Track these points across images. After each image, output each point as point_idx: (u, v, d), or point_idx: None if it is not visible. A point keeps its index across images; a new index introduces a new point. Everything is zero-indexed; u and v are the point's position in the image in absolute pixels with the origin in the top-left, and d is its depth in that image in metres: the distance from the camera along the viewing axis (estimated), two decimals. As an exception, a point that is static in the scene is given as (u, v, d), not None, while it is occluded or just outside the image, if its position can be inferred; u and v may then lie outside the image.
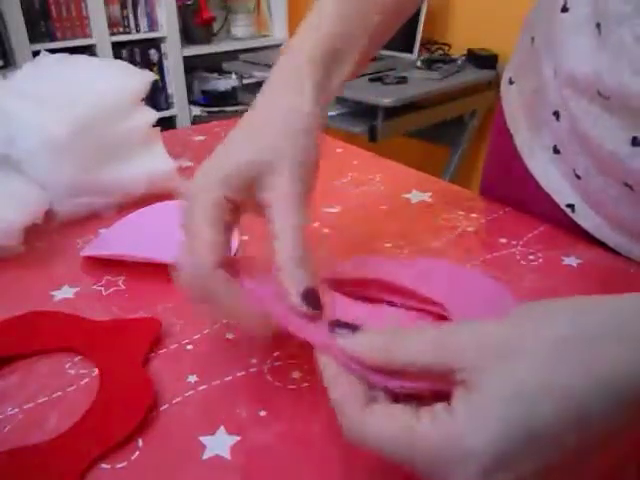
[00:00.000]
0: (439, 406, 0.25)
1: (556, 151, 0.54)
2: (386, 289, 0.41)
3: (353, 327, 0.29)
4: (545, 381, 0.23)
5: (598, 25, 0.44)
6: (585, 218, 0.54)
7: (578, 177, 0.52)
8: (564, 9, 0.47)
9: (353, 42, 0.42)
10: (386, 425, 0.25)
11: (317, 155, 0.37)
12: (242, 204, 0.36)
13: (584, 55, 0.45)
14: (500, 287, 0.42)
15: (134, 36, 2.40)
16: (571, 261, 0.51)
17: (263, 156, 0.35)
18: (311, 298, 0.32)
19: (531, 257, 0.51)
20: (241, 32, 2.67)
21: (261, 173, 0.35)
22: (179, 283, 0.34)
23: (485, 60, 1.91)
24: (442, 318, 0.40)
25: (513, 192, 0.62)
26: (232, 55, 2.38)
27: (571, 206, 0.55)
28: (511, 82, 0.61)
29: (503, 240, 0.54)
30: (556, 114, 0.52)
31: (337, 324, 0.30)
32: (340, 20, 0.42)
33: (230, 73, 2.40)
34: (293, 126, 0.37)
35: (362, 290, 0.40)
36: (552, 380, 0.23)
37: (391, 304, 0.41)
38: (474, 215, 0.59)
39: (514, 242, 0.54)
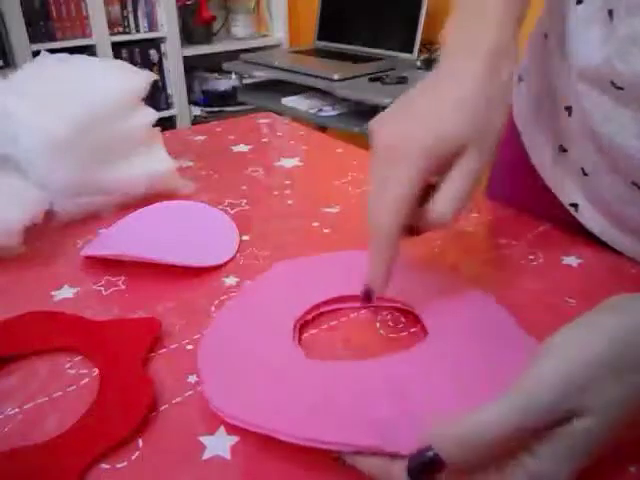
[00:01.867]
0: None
1: (563, 149, 0.54)
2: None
3: (430, 459, 0.26)
4: None
5: (610, 12, 0.43)
6: (588, 218, 0.54)
7: (585, 174, 0.52)
8: (579, 1, 0.47)
9: None
10: None
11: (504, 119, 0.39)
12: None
13: (597, 44, 0.45)
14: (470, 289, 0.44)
15: (134, 36, 2.40)
16: (571, 261, 0.51)
17: (461, 134, 0.36)
18: None
19: (531, 257, 0.51)
20: (241, 32, 2.66)
21: (454, 150, 0.36)
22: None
23: (485, 60, 1.90)
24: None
25: (518, 191, 0.62)
26: (232, 55, 2.38)
27: (575, 205, 0.55)
28: (520, 79, 0.61)
29: (503, 240, 0.54)
30: (568, 109, 0.52)
31: (417, 466, 0.27)
32: None
33: (230, 73, 2.40)
34: (485, 98, 0.38)
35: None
36: None
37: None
38: (474, 215, 0.59)
39: (514, 242, 0.54)
